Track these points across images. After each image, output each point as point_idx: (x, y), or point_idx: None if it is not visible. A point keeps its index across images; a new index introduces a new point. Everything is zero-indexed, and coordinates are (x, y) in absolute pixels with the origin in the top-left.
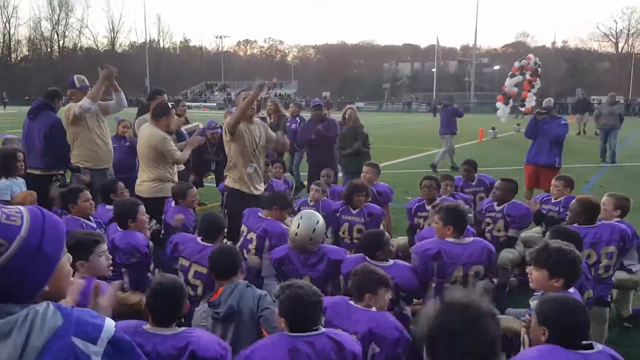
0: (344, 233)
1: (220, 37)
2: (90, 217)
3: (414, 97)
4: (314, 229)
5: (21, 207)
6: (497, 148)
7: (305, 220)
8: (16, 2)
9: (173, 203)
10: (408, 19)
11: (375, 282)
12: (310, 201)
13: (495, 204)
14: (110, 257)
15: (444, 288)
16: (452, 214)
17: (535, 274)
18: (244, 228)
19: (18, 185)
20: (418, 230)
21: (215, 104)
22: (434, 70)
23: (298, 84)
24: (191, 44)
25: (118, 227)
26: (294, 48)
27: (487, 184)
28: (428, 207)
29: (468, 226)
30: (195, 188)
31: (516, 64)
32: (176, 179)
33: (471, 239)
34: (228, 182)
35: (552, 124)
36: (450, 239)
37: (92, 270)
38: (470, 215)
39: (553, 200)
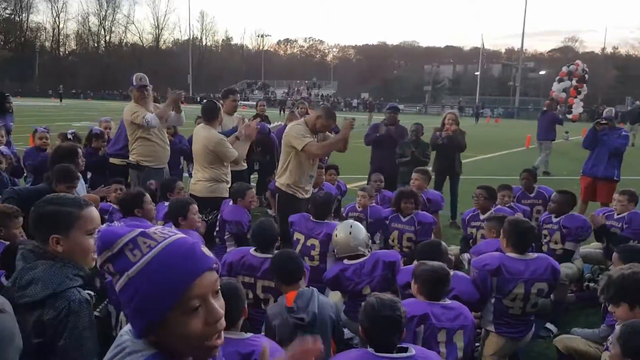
0: (393, 241)
1: (262, 36)
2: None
3: (461, 100)
4: (350, 231)
5: (165, 241)
6: None
7: (340, 226)
8: None
9: (231, 202)
10: (451, 20)
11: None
12: (358, 207)
13: (552, 216)
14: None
15: (502, 304)
16: (515, 229)
17: (617, 312)
18: (299, 236)
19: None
20: (471, 241)
21: (254, 103)
22: (477, 73)
23: (337, 84)
24: (233, 42)
25: (172, 226)
26: (334, 48)
27: (546, 196)
28: (482, 217)
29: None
30: (254, 189)
31: (564, 68)
32: (229, 178)
33: (535, 255)
34: (282, 185)
35: (612, 134)
36: (513, 254)
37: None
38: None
39: (616, 216)
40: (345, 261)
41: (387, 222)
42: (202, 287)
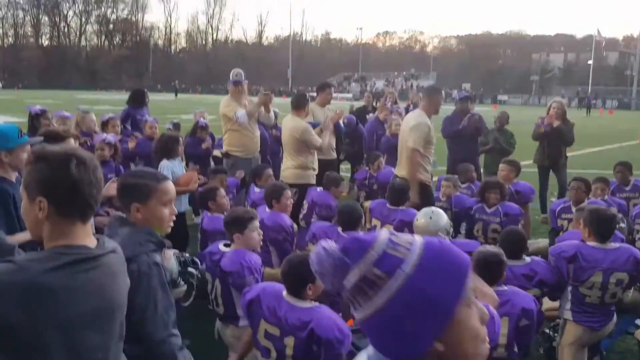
0: (478, 232)
1: (360, 29)
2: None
3: (579, 91)
4: (430, 217)
5: (417, 238)
6: None
7: (422, 212)
8: None
9: (319, 189)
10: (562, 6)
11: None
12: (442, 197)
13: None
14: (261, 232)
15: (579, 292)
16: (595, 216)
17: None
18: (376, 222)
19: (178, 166)
20: (561, 232)
21: (351, 95)
22: (590, 62)
23: (437, 75)
24: (332, 36)
25: (266, 208)
26: (434, 38)
27: None
28: (574, 209)
29: (617, 232)
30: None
31: None
32: (316, 166)
33: (617, 244)
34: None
35: None
36: (592, 243)
37: (246, 243)
38: (622, 224)
39: None
40: None
41: (472, 212)
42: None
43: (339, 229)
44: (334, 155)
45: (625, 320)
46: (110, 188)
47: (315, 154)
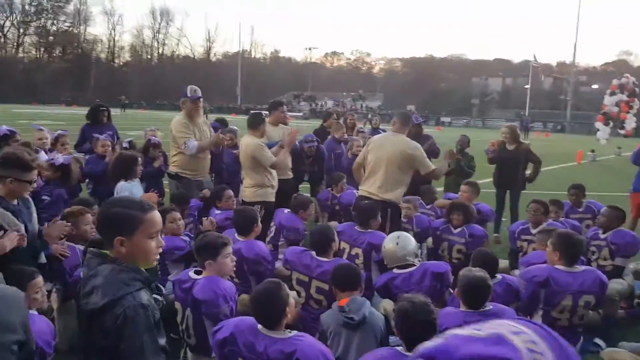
0: (443, 252)
1: (309, 49)
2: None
3: (524, 114)
4: (397, 242)
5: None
6: (597, 172)
7: (389, 236)
8: (122, 11)
9: (286, 211)
10: (500, 33)
11: None
12: (403, 218)
13: (600, 231)
14: (235, 258)
15: (550, 316)
16: (565, 240)
17: None
18: (344, 245)
19: (136, 187)
20: (520, 254)
21: (301, 114)
22: (527, 86)
23: (383, 96)
24: (281, 54)
25: (236, 235)
26: (380, 60)
27: (595, 211)
28: (533, 231)
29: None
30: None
31: (615, 81)
32: (275, 184)
33: (583, 267)
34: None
35: None
36: (561, 267)
37: (218, 270)
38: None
39: None
40: (395, 270)
41: (438, 233)
42: None
43: (313, 253)
44: (290, 175)
45: (585, 339)
46: (56, 228)
47: (274, 172)
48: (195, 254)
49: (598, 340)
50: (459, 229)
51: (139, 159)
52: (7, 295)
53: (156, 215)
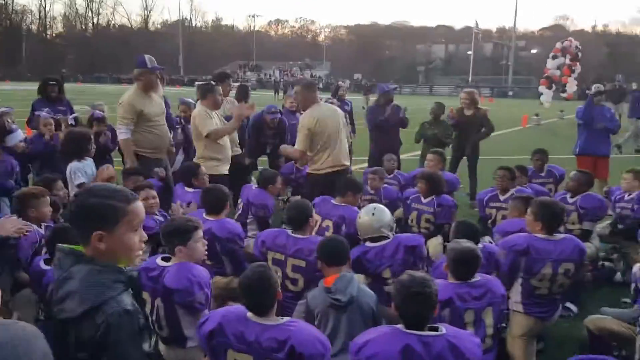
0: (412, 221)
1: (253, 16)
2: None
3: (474, 82)
4: (373, 214)
5: None
6: (542, 135)
7: (365, 209)
8: None
9: (254, 186)
10: None
11: None
12: (370, 189)
13: (568, 195)
14: (206, 242)
15: (530, 285)
16: (546, 210)
17: None
18: (317, 217)
19: (89, 166)
20: (489, 221)
21: (249, 84)
22: (469, 52)
23: (330, 65)
24: (223, 22)
25: (204, 215)
26: (325, 28)
27: (557, 175)
28: (502, 198)
29: None
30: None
31: (558, 44)
32: (222, 156)
33: (562, 235)
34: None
35: (603, 111)
36: (540, 235)
37: (190, 255)
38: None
39: (627, 197)
40: (367, 243)
41: (408, 202)
42: None
43: (288, 231)
44: (238, 150)
45: None
46: (9, 223)
47: (226, 144)
48: (163, 240)
49: (569, 305)
50: (428, 199)
51: (92, 136)
52: (27, 335)
53: (140, 205)
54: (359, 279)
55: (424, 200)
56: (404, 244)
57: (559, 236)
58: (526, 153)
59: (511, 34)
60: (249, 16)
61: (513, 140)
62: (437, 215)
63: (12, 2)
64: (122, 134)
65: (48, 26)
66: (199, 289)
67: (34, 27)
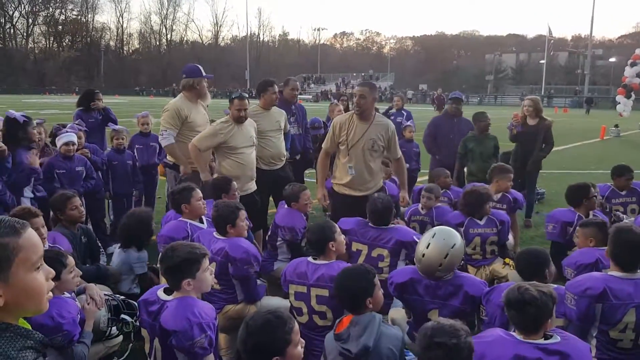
0: (475, 249)
1: (318, 30)
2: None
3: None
4: (447, 254)
5: None
6: (622, 148)
7: (438, 241)
8: None
9: (285, 206)
10: (513, 7)
11: None
12: (421, 209)
13: None
14: (213, 270)
15: (609, 337)
16: (623, 242)
17: None
18: (359, 246)
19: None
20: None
21: (310, 97)
22: (542, 61)
23: (395, 76)
24: (289, 37)
25: (215, 234)
26: (391, 40)
27: None
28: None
29: None
30: (308, 190)
31: (637, 51)
32: (239, 174)
33: None
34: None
35: None
36: (617, 273)
37: (198, 288)
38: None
39: None
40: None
41: (462, 229)
42: None
43: (309, 258)
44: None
45: None
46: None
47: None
48: (165, 275)
49: None
50: (484, 219)
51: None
52: None
53: (34, 234)
54: (394, 314)
55: (481, 222)
56: (465, 290)
57: None
58: (605, 167)
59: (587, 42)
60: (315, 29)
61: (590, 153)
62: (500, 234)
63: (93, 20)
64: (165, 140)
65: (125, 42)
66: (199, 331)
67: (111, 43)
